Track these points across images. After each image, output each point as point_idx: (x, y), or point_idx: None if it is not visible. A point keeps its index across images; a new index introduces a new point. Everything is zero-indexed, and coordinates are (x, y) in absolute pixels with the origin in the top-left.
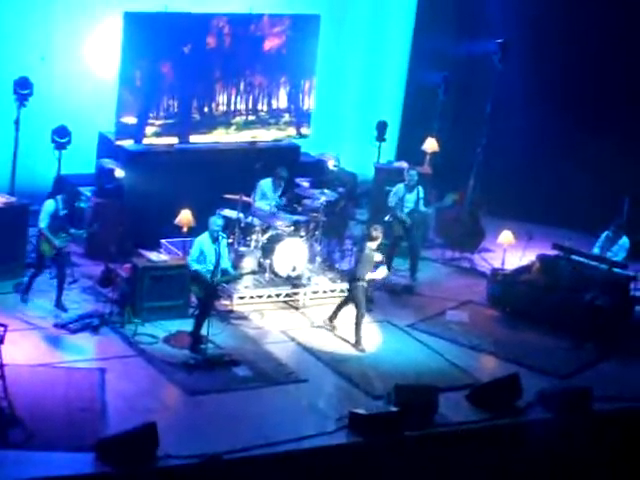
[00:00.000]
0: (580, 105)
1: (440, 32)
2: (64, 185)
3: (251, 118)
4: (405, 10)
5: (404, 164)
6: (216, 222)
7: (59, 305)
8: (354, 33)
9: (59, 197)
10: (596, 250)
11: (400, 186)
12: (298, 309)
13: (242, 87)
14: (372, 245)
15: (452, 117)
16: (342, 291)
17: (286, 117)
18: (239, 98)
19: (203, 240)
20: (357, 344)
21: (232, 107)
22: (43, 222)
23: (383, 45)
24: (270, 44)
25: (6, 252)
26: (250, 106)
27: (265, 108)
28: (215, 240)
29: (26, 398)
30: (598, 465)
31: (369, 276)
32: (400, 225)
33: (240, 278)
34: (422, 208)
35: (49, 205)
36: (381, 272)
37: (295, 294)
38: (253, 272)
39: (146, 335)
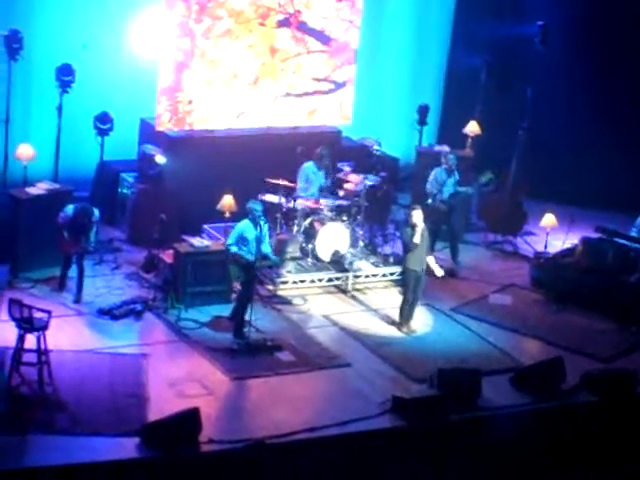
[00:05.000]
0: (623, 86)
1: (481, 15)
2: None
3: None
4: None
5: (446, 147)
6: (256, 207)
7: (78, 298)
8: (395, 17)
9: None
10: (633, 233)
11: (439, 170)
12: (344, 293)
13: None
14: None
15: (494, 100)
16: (384, 275)
17: None
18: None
19: (244, 226)
20: (399, 325)
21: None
22: (61, 219)
23: (424, 28)
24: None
25: (50, 239)
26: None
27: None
28: (257, 225)
29: (71, 384)
30: None
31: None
32: (443, 209)
33: (281, 264)
34: (460, 189)
35: (68, 208)
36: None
37: (338, 279)
38: (294, 258)
39: (189, 320)
